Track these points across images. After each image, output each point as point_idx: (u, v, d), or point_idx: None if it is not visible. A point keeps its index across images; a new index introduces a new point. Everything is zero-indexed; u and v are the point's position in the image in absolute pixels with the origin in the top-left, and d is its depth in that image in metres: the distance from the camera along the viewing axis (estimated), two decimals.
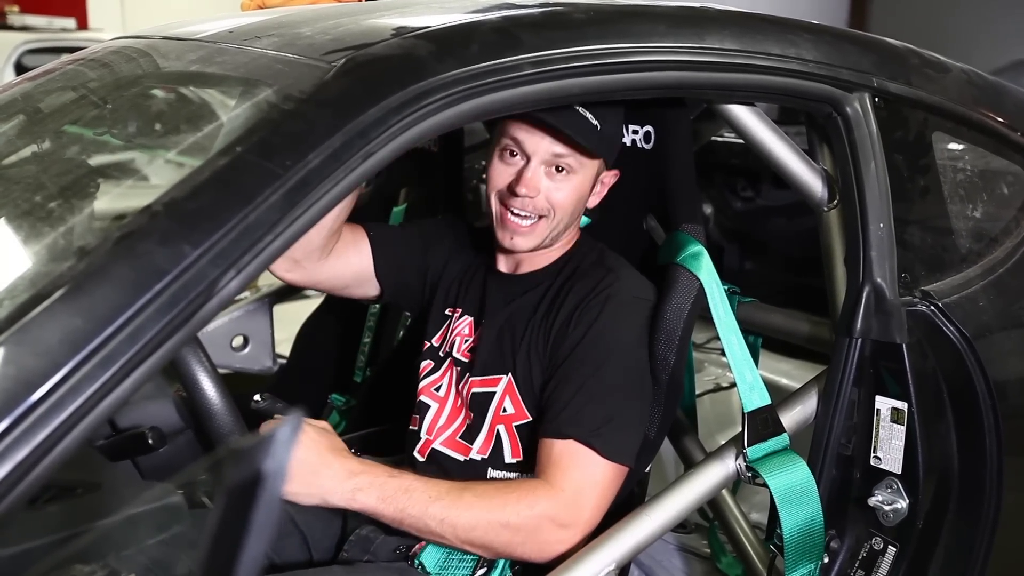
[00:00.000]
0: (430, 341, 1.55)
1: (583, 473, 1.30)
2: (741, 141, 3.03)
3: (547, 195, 1.38)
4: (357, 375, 2.40)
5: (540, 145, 1.35)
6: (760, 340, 1.72)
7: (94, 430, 0.79)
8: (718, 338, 2.62)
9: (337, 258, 1.50)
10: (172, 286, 0.83)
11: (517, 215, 1.38)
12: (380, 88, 1.00)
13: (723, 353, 2.65)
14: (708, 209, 3.38)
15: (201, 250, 0.85)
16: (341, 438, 1.97)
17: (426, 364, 1.54)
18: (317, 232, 1.40)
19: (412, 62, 1.04)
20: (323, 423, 1.30)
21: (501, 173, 1.39)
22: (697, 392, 2.31)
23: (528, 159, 1.37)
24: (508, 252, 1.46)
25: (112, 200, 0.98)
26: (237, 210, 0.88)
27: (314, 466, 1.21)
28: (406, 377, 1.60)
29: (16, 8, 7.74)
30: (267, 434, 0.49)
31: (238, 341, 2.53)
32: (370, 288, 1.57)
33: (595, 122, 1.34)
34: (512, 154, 1.38)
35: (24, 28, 6.90)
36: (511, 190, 1.37)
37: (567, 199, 1.39)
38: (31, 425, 0.76)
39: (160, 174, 0.95)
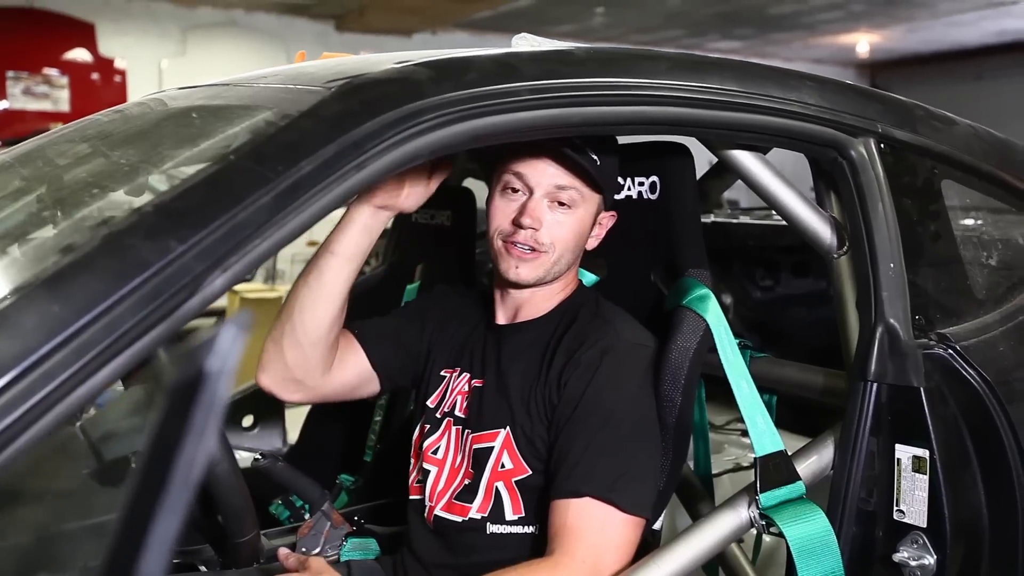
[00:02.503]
0: (426, 403, 1.53)
1: (601, 535, 1.25)
2: (757, 222, 3.04)
3: (549, 229, 1.37)
4: (367, 454, 2.35)
5: (543, 177, 1.36)
6: (775, 398, 1.66)
7: (66, 418, 0.77)
8: (739, 420, 2.54)
9: (337, 368, 1.48)
10: (155, 279, 0.82)
11: (521, 247, 1.37)
12: (376, 105, 1.01)
13: (744, 433, 2.59)
14: (728, 299, 3.36)
15: (187, 245, 0.84)
16: (347, 510, 1.94)
17: (423, 427, 1.51)
18: (313, 350, 1.40)
19: (409, 84, 1.06)
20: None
21: (503, 210, 1.39)
22: (717, 471, 2.24)
23: (531, 192, 1.37)
24: (511, 286, 1.44)
25: None
26: (226, 210, 0.88)
27: None
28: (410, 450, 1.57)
29: (60, 124, 8.12)
30: (210, 335, 0.46)
31: (248, 420, 2.50)
32: (373, 383, 1.54)
33: (594, 156, 1.36)
34: (514, 190, 1.38)
35: None
36: (515, 223, 1.37)
37: (568, 234, 1.39)
38: (4, 406, 0.74)
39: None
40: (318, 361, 1.42)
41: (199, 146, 0.98)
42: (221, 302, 5.96)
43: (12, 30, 8.60)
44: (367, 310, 2.38)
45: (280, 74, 1.24)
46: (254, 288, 5.58)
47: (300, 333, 1.39)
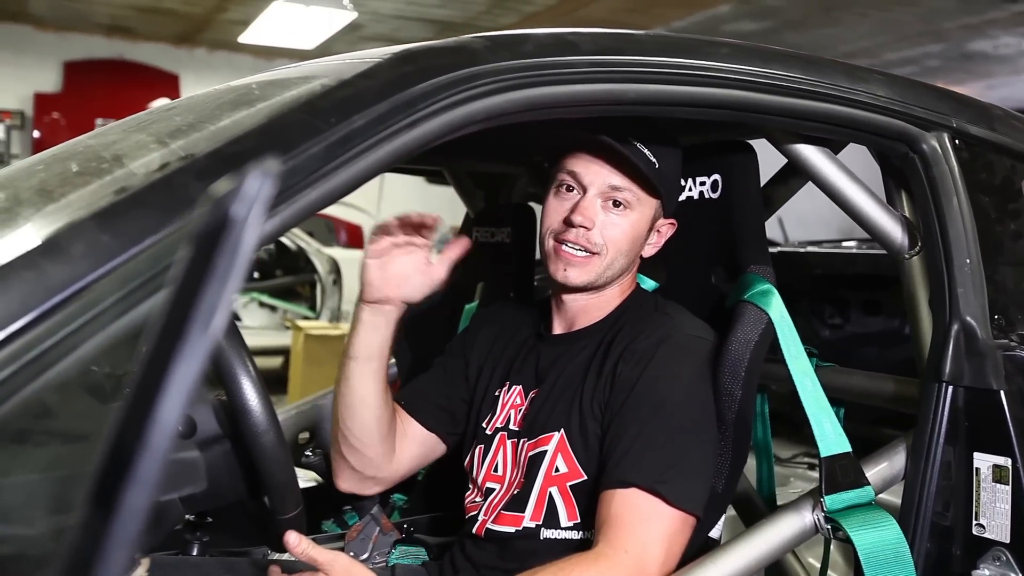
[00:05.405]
0: (481, 424, 1.50)
1: (647, 528, 1.19)
2: (823, 251, 2.96)
3: (602, 230, 1.34)
4: (420, 474, 2.32)
5: (598, 176, 1.33)
6: (843, 411, 1.58)
7: (107, 348, 0.76)
8: (804, 454, 2.44)
9: (401, 449, 1.49)
10: None
11: (571, 246, 1.34)
12: (432, 69, 1.01)
13: (811, 467, 2.48)
14: None
15: None
16: (398, 521, 1.91)
17: (476, 447, 1.48)
18: (372, 450, 1.43)
19: (466, 52, 1.05)
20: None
21: (556, 208, 1.36)
22: (782, 503, 2.14)
23: (585, 191, 1.34)
24: (565, 291, 1.41)
25: None
26: (278, 156, 0.88)
27: None
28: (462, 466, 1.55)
29: None
30: (237, 183, 0.45)
31: (304, 436, 2.49)
32: (440, 445, 1.55)
33: (653, 159, 1.33)
34: (568, 189, 1.36)
35: None
36: (566, 222, 1.34)
37: (623, 236, 1.35)
38: (48, 329, 0.73)
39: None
40: (381, 456, 1.45)
41: (255, 107, 0.99)
42: (286, 340, 6.04)
43: (102, 80, 9.04)
44: (426, 330, 2.38)
45: (341, 55, 1.26)
46: (319, 326, 5.65)
47: (353, 439, 1.42)
